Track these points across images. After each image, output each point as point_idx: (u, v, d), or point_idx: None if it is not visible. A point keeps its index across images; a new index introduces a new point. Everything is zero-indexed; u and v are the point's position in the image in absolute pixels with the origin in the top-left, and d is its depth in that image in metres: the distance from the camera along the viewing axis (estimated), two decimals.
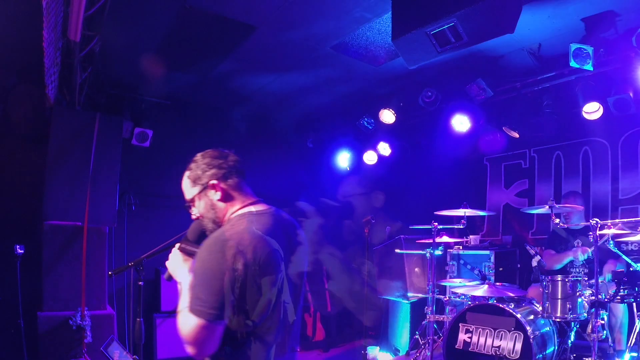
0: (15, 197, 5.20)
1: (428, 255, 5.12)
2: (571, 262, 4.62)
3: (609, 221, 3.78)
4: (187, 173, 1.85)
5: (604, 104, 4.74)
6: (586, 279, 4.04)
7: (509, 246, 5.92)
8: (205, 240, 1.66)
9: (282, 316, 1.73)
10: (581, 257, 4.45)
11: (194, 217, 1.88)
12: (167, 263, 1.89)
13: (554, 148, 5.83)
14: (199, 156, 1.85)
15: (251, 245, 1.60)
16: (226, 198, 1.80)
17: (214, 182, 1.78)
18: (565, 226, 4.64)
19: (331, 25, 4.38)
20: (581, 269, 4.54)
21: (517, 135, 5.56)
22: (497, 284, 4.55)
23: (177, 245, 1.88)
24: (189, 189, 1.84)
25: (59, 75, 4.32)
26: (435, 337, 5.07)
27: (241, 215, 1.76)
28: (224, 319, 1.58)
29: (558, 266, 4.60)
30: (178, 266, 1.85)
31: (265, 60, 5.23)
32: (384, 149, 6.67)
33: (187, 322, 1.60)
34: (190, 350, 1.61)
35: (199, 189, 1.80)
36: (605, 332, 3.83)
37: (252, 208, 1.80)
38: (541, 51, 4.78)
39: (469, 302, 4.62)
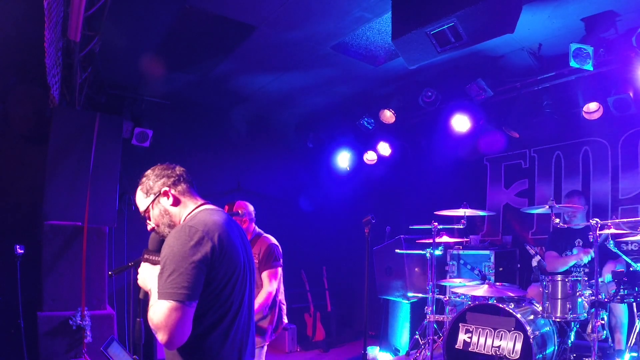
0: (15, 197, 5.20)
1: (428, 255, 5.13)
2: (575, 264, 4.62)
3: (609, 221, 3.78)
4: (139, 188, 2.01)
5: (604, 104, 4.74)
6: (586, 279, 4.04)
7: (509, 246, 5.92)
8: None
9: (241, 308, 1.85)
10: (585, 259, 4.44)
11: (149, 228, 2.02)
12: (138, 279, 1.95)
13: (554, 148, 5.83)
14: (149, 171, 2.03)
15: (216, 232, 1.75)
16: (177, 202, 1.96)
17: (165, 189, 1.95)
18: (566, 226, 4.64)
19: (331, 25, 4.38)
20: (581, 269, 4.54)
21: (517, 135, 5.56)
22: (497, 284, 4.55)
23: (142, 259, 1.95)
24: (142, 200, 1.99)
25: (60, 76, 4.32)
26: (435, 337, 5.07)
27: (198, 212, 1.91)
28: (195, 299, 1.65)
29: (561, 269, 4.59)
30: (148, 277, 1.91)
31: (265, 60, 5.24)
32: (384, 149, 6.67)
33: (158, 310, 1.64)
34: (161, 337, 1.62)
35: (151, 198, 1.96)
36: (605, 332, 3.84)
37: (206, 207, 1.96)
38: (541, 51, 4.78)
39: (469, 302, 4.62)
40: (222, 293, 1.76)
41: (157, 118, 6.09)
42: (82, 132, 4.81)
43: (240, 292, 1.84)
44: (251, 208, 3.70)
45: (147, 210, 1.98)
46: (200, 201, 1.99)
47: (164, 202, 1.95)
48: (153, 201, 1.95)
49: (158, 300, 1.65)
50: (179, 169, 2.03)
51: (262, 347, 3.44)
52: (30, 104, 5.14)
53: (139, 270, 1.95)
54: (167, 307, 1.61)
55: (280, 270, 3.54)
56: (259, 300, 3.35)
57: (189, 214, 1.92)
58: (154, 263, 1.90)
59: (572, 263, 4.56)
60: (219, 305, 1.76)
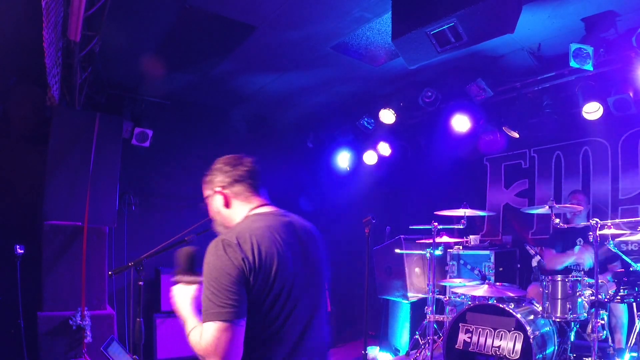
0: (15, 197, 5.20)
1: (428, 255, 5.13)
2: (576, 264, 4.61)
3: (609, 221, 3.78)
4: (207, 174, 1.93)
5: (604, 104, 4.74)
6: (586, 278, 4.04)
7: (509, 246, 5.92)
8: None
9: (294, 316, 1.66)
10: (589, 261, 4.44)
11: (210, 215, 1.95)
12: (174, 304, 1.81)
13: (554, 148, 5.83)
14: (216, 161, 1.95)
15: (250, 242, 1.61)
16: (230, 204, 1.85)
17: (219, 189, 1.87)
18: (566, 226, 4.64)
19: (331, 25, 4.38)
20: (581, 269, 4.54)
21: (517, 135, 5.56)
22: (497, 284, 4.55)
23: (176, 282, 1.84)
24: (205, 189, 1.95)
25: (60, 76, 4.32)
26: (435, 337, 5.07)
27: (245, 218, 1.79)
28: (243, 316, 1.53)
29: (559, 267, 4.59)
30: (181, 300, 1.78)
31: (265, 60, 5.23)
32: (384, 149, 6.67)
33: (205, 334, 1.52)
34: None
35: (210, 193, 1.91)
36: (605, 332, 3.84)
37: (259, 210, 1.82)
38: (541, 51, 4.78)
39: (469, 302, 4.62)
40: (262, 309, 1.59)
41: (157, 118, 6.09)
42: (82, 132, 4.81)
43: (294, 309, 1.64)
44: None
45: (206, 199, 1.94)
46: (255, 204, 1.84)
47: (218, 202, 1.87)
48: (209, 196, 1.91)
49: (204, 324, 1.53)
50: (242, 167, 1.89)
51: None
52: (30, 104, 5.14)
53: (174, 294, 1.80)
54: (214, 329, 1.49)
55: None
56: None
57: (242, 217, 1.81)
58: (188, 283, 1.78)
59: (570, 261, 4.55)
60: (267, 324, 1.60)
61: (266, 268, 1.59)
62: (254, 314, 1.57)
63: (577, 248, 4.62)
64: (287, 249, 1.68)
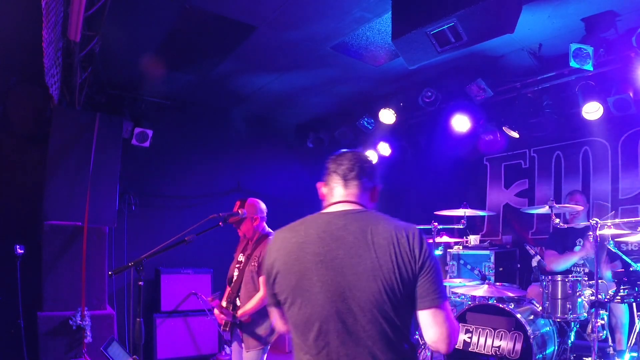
0: (15, 197, 5.20)
1: None
2: (582, 262, 4.61)
3: (609, 221, 3.77)
4: None
5: (604, 104, 4.74)
6: (586, 279, 4.04)
7: (509, 246, 5.92)
8: None
9: (302, 317, 1.68)
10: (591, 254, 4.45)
11: None
12: None
13: (554, 148, 5.83)
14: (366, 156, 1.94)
15: (276, 242, 1.78)
16: (324, 199, 1.89)
17: (320, 183, 1.92)
18: (566, 226, 4.64)
19: (331, 25, 4.38)
20: (581, 269, 4.54)
21: (517, 135, 5.56)
22: (497, 284, 4.55)
23: None
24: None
25: (60, 76, 4.32)
26: None
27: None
28: (275, 305, 1.80)
29: (562, 268, 4.58)
30: None
31: (265, 60, 5.23)
32: (384, 149, 6.67)
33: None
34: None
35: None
36: (605, 332, 3.83)
37: (329, 209, 1.81)
38: (541, 51, 4.78)
39: (469, 302, 4.62)
40: (289, 313, 1.70)
41: (157, 118, 6.10)
42: (82, 132, 4.81)
43: (314, 309, 1.63)
44: (262, 206, 3.61)
45: None
46: (333, 202, 1.81)
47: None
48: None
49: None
50: (332, 163, 1.90)
51: (260, 350, 3.36)
52: (30, 104, 5.14)
53: None
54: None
55: None
56: (249, 304, 3.30)
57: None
58: None
59: (572, 262, 4.54)
60: (293, 327, 1.71)
61: (283, 271, 1.74)
62: (286, 315, 1.80)
63: (577, 248, 4.62)
64: (308, 254, 1.68)
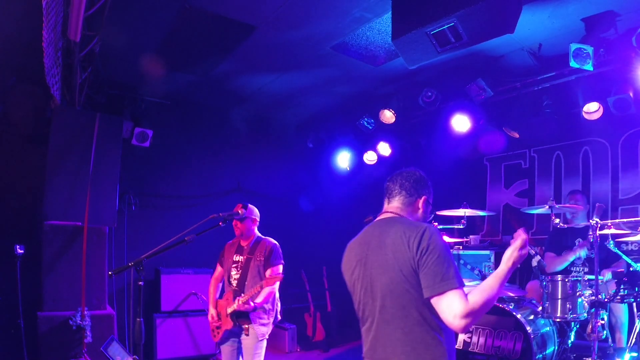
0: (15, 197, 5.20)
1: None
2: (572, 261, 4.61)
3: (609, 221, 3.77)
4: None
5: (604, 104, 4.74)
6: (586, 278, 4.04)
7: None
8: None
9: (368, 321, 2.06)
10: (583, 253, 4.45)
11: None
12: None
13: (554, 148, 5.83)
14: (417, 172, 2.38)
15: (348, 246, 2.24)
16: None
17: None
18: (566, 226, 4.64)
19: (331, 25, 4.38)
20: (581, 269, 4.54)
21: (517, 135, 5.56)
22: None
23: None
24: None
25: (60, 76, 4.32)
26: None
27: None
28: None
29: (560, 268, 4.59)
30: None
31: (265, 60, 5.24)
32: (384, 149, 6.67)
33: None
34: None
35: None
36: (605, 332, 3.83)
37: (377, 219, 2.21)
38: (541, 51, 4.78)
39: None
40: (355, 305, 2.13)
41: (157, 118, 6.10)
42: (82, 132, 4.81)
43: (363, 304, 2.04)
44: (256, 210, 3.85)
45: None
46: (383, 209, 2.23)
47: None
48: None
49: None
50: (387, 182, 2.34)
51: (264, 339, 3.61)
52: (30, 104, 5.14)
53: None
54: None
55: (281, 267, 3.73)
56: (262, 294, 3.54)
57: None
58: None
59: (571, 259, 4.55)
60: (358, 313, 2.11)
61: (345, 269, 2.18)
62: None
63: (574, 248, 4.62)
64: (358, 255, 2.10)
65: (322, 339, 6.82)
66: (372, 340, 1.99)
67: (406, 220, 2.08)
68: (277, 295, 3.82)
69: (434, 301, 1.82)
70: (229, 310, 3.59)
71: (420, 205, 2.22)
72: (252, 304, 3.49)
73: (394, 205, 2.20)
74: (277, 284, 3.62)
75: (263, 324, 3.62)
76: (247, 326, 3.58)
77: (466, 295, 1.83)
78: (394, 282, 1.89)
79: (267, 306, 3.64)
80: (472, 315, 1.78)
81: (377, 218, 2.20)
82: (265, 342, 3.64)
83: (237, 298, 3.53)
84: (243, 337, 3.60)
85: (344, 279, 2.16)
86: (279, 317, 3.86)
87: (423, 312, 1.86)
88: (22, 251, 4.45)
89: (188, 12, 4.14)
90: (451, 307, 1.78)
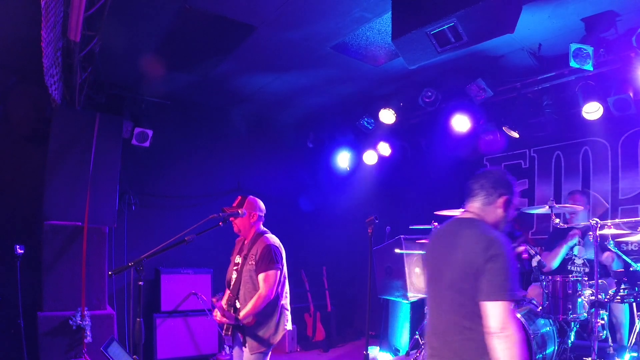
0: (15, 197, 5.20)
1: None
2: (572, 261, 4.61)
3: (609, 221, 3.78)
4: None
5: (604, 104, 4.74)
6: (586, 279, 4.04)
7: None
8: None
9: (430, 309, 2.32)
10: (574, 243, 4.49)
11: None
12: None
13: (554, 148, 5.83)
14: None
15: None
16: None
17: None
18: (566, 226, 4.64)
19: (331, 25, 4.38)
20: (581, 269, 4.54)
21: (517, 135, 5.56)
22: None
23: None
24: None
25: (60, 76, 4.32)
26: None
27: None
28: None
29: (556, 262, 4.58)
30: None
31: (265, 60, 5.23)
32: (384, 149, 6.67)
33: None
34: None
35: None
36: (605, 332, 3.84)
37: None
38: (541, 51, 4.78)
39: None
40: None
41: (157, 118, 6.09)
42: (82, 132, 4.82)
43: (428, 289, 2.31)
44: (261, 205, 3.56)
45: None
46: (465, 208, 2.33)
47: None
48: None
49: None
50: (471, 180, 2.37)
51: (263, 352, 3.29)
52: (30, 104, 5.14)
53: None
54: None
55: (278, 273, 3.33)
56: (250, 305, 3.22)
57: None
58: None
59: (563, 252, 4.55)
60: None
61: (424, 260, 2.52)
62: None
63: (576, 249, 4.62)
64: (435, 248, 2.32)
65: (322, 339, 6.82)
66: (428, 324, 2.27)
67: (483, 225, 2.17)
68: (286, 302, 3.45)
69: (484, 305, 1.98)
70: (217, 319, 3.31)
71: (500, 205, 2.25)
72: (242, 314, 3.20)
73: (474, 205, 2.28)
74: (271, 289, 3.25)
75: (256, 337, 3.25)
76: (241, 336, 3.30)
77: (513, 312, 2.00)
78: (456, 278, 2.08)
79: (261, 316, 3.25)
80: (507, 337, 1.92)
81: (459, 216, 2.33)
82: (265, 356, 3.30)
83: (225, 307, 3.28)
84: (244, 347, 3.31)
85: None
86: (288, 327, 3.44)
87: (474, 311, 2.01)
88: (22, 251, 4.45)
89: (188, 12, 4.14)
90: (494, 317, 1.95)
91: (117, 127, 5.15)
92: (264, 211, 3.60)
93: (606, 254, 4.28)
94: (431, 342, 2.23)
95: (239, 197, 3.52)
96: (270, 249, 3.34)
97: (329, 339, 6.84)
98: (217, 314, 3.27)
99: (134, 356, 2.72)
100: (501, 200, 2.24)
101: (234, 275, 3.47)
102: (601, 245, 3.93)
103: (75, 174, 4.73)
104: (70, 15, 3.19)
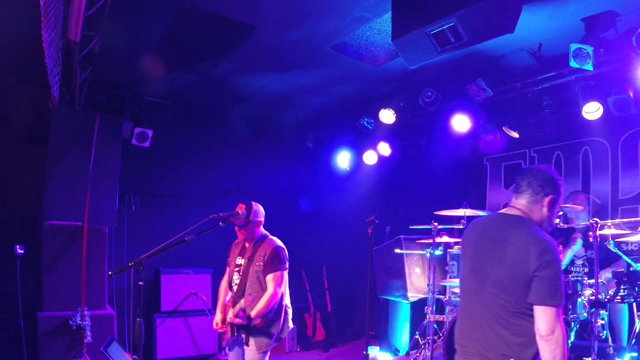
0: (15, 197, 5.20)
1: (428, 255, 5.12)
2: (572, 261, 4.61)
3: (609, 221, 3.78)
4: None
5: (604, 104, 4.74)
6: (586, 278, 4.04)
7: None
8: None
9: (466, 300, 2.41)
10: (577, 246, 4.49)
11: None
12: None
13: (554, 148, 5.83)
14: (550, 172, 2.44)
15: (466, 230, 2.47)
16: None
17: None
18: (566, 226, 4.64)
19: (331, 25, 4.38)
20: (582, 269, 4.54)
21: (517, 135, 5.56)
22: None
23: None
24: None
25: (61, 76, 4.32)
26: (435, 337, 5.07)
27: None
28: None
29: (562, 266, 4.60)
30: None
31: (265, 60, 5.23)
32: (384, 149, 6.67)
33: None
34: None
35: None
36: (605, 332, 3.84)
37: (502, 211, 2.37)
38: (541, 51, 4.78)
39: None
40: (460, 282, 2.45)
41: (157, 118, 6.09)
42: (82, 132, 4.82)
43: (466, 280, 2.33)
44: (262, 211, 3.60)
45: None
46: (511, 203, 2.36)
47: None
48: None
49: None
50: (517, 176, 2.39)
51: (266, 351, 3.37)
52: (30, 104, 5.14)
53: None
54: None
55: (285, 274, 3.45)
56: (260, 303, 3.29)
57: None
58: None
59: (568, 256, 4.56)
60: (460, 291, 2.41)
61: (462, 253, 2.41)
62: None
63: (576, 248, 4.62)
64: (474, 241, 2.34)
65: (322, 339, 6.82)
66: (465, 316, 2.29)
67: (531, 224, 2.21)
68: (287, 302, 3.56)
69: (536, 308, 2.05)
70: (227, 320, 3.37)
71: (545, 204, 2.28)
72: (253, 313, 3.26)
73: (520, 202, 2.30)
74: (280, 289, 3.36)
75: (264, 336, 3.35)
76: (245, 335, 3.35)
77: (561, 315, 2.07)
78: (503, 276, 2.12)
79: (270, 315, 3.35)
80: (555, 340, 2.02)
81: (503, 210, 2.34)
82: (267, 355, 3.39)
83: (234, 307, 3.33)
84: (245, 347, 3.37)
85: (461, 250, 2.46)
86: (290, 325, 3.56)
87: (518, 310, 2.09)
88: (22, 251, 4.45)
89: (188, 12, 4.14)
90: (545, 320, 2.03)
91: (117, 127, 5.14)
92: (264, 214, 3.66)
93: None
94: (467, 337, 2.25)
95: (243, 205, 3.51)
96: (279, 250, 3.46)
97: (329, 339, 6.84)
98: (230, 315, 3.31)
99: (134, 356, 2.72)
100: (547, 200, 2.27)
101: (236, 277, 3.51)
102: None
103: (75, 174, 4.73)
104: (70, 15, 3.19)
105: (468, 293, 2.31)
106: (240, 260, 3.54)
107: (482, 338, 2.16)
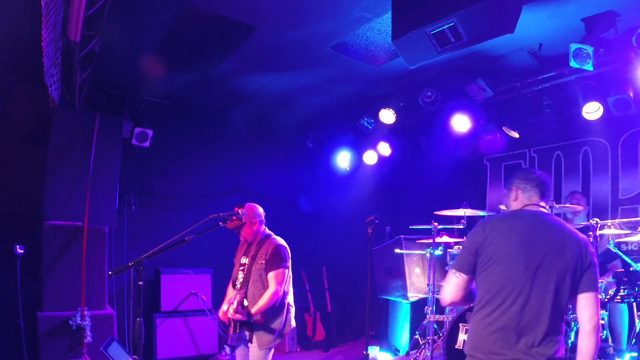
0: (15, 197, 5.20)
1: (428, 255, 5.12)
2: None
3: (609, 221, 3.78)
4: None
5: (604, 104, 4.74)
6: None
7: None
8: None
9: (512, 301, 2.33)
10: None
11: None
12: None
13: (554, 148, 5.83)
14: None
15: (490, 225, 2.44)
16: (516, 199, 2.55)
17: (514, 187, 2.57)
18: None
19: (331, 25, 4.38)
20: None
21: (517, 135, 5.56)
22: None
23: None
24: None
25: (60, 75, 4.32)
26: (435, 337, 5.07)
27: (514, 210, 2.56)
28: (461, 271, 2.46)
29: None
30: None
31: (265, 60, 5.24)
32: (384, 149, 6.67)
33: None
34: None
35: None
36: (605, 332, 3.83)
37: (527, 208, 2.47)
38: (541, 51, 4.78)
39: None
40: (483, 275, 2.34)
41: (157, 118, 6.09)
42: (82, 132, 4.81)
43: (507, 282, 2.26)
44: (260, 210, 3.63)
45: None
46: (528, 203, 2.47)
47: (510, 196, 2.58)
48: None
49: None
50: (544, 176, 2.53)
51: (269, 348, 3.41)
52: (30, 104, 5.14)
53: None
54: (447, 274, 2.36)
55: (287, 272, 3.49)
56: (261, 300, 3.33)
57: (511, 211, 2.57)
58: None
59: None
60: (485, 290, 2.32)
61: (492, 246, 2.32)
62: (478, 278, 2.37)
63: None
64: (516, 237, 2.31)
65: (322, 339, 6.82)
66: (517, 310, 2.25)
67: (569, 224, 2.44)
68: (290, 300, 3.58)
69: (589, 296, 2.25)
70: (228, 316, 3.40)
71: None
72: (253, 310, 3.29)
73: (544, 204, 2.48)
74: (281, 287, 3.39)
75: (266, 332, 3.38)
76: (248, 333, 3.39)
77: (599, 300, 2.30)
78: (562, 271, 2.25)
79: (271, 312, 3.38)
80: (598, 325, 2.26)
81: (529, 207, 2.46)
82: (270, 352, 3.42)
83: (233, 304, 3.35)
84: (249, 344, 3.41)
85: (489, 242, 2.34)
86: (292, 324, 3.60)
87: (567, 305, 2.29)
88: (22, 251, 4.45)
89: (188, 12, 4.14)
90: (595, 305, 2.25)
91: (117, 127, 5.14)
92: (264, 214, 3.68)
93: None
94: (524, 336, 2.22)
95: (237, 208, 3.54)
96: (280, 248, 3.51)
97: (329, 339, 6.84)
98: (230, 311, 3.34)
99: (134, 356, 2.72)
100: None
101: (240, 275, 3.57)
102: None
103: (75, 174, 4.73)
104: (70, 15, 3.19)
105: (512, 287, 2.26)
106: (244, 259, 3.61)
107: (545, 335, 2.22)
